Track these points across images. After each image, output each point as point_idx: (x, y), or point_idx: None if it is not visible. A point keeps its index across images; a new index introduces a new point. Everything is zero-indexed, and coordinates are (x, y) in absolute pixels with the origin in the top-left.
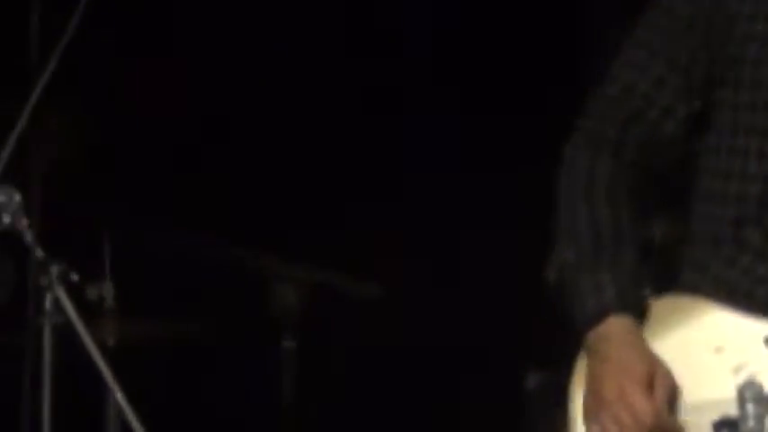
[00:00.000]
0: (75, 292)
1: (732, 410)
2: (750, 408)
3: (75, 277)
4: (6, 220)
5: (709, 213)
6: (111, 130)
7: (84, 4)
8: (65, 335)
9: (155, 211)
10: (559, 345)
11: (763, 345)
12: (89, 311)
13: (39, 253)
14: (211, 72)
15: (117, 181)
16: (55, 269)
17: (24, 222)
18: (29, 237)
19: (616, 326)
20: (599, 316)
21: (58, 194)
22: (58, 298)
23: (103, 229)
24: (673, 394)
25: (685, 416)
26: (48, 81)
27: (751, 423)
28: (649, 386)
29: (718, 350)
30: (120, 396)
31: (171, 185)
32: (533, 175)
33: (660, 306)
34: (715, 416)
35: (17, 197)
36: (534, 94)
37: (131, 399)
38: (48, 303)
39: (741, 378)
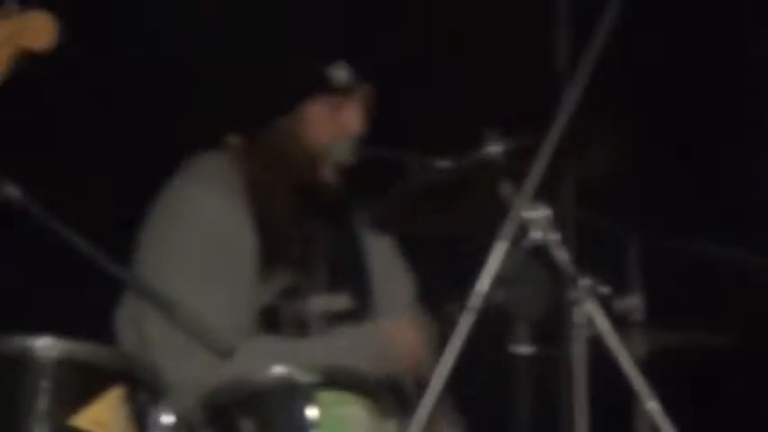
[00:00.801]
0: (605, 305)
1: None
2: None
3: (605, 290)
4: (537, 235)
5: None
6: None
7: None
8: (597, 347)
9: (679, 222)
10: None
11: None
12: (617, 324)
13: (570, 268)
14: None
15: (642, 192)
16: (585, 283)
17: (555, 237)
18: (559, 252)
19: None
20: None
21: (588, 208)
22: (589, 311)
23: (629, 242)
24: None
25: None
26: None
27: None
28: None
29: None
30: (653, 406)
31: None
32: None
33: None
34: None
35: (547, 212)
36: None
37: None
38: (578, 317)
39: None
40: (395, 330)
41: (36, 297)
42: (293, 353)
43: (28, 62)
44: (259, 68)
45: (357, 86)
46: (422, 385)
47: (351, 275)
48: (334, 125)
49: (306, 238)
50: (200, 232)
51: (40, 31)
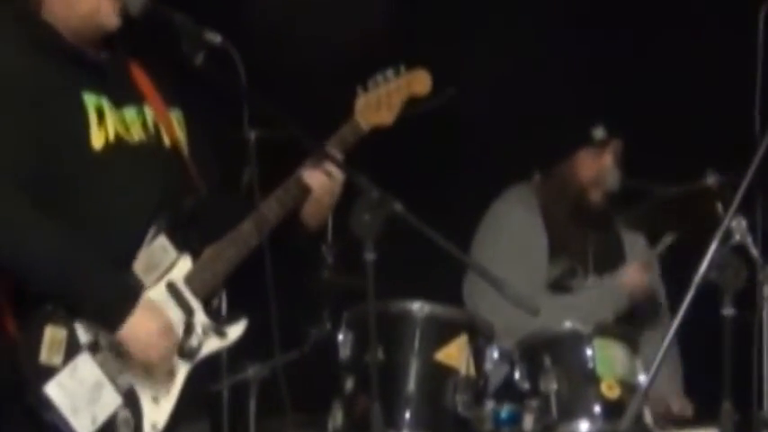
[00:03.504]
0: None
1: None
2: None
3: None
4: (738, 237)
5: None
6: None
7: None
8: None
9: None
10: None
11: None
12: None
13: (759, 259)
14: None
15: None
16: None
17: (749, 239)
18: (752, 248)
19: None
20: None
21: None
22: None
23: None
24: None
25: None
26: None
27: None
28: None
29: None
30: None
31: None
32: None
33: None
34: None
35: (744, 222)
36: None
37: None
38: (765, 292)
39: None
40: (628, 278)
41: (410, 274)
42: (569, 305)
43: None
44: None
45: (611, 140)
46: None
47: (613, 261)
48: (595, 167)
49: (581, 238)
50: (511, 235)
51: (421, 81)
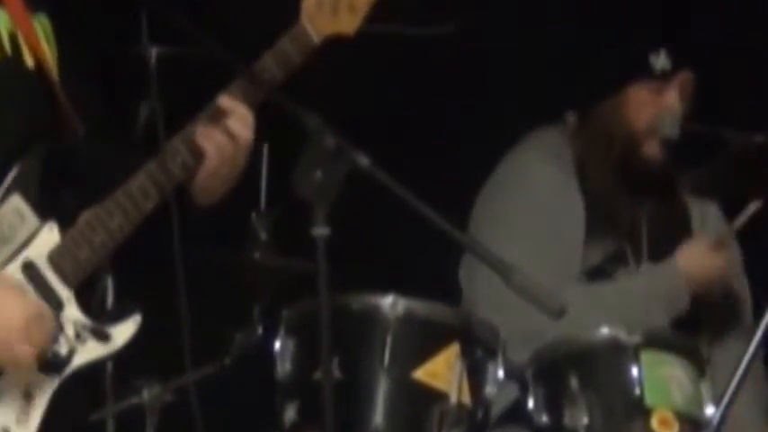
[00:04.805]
0: None
1: None
2: None
3: None
4: None
5: None
6: None
7: None
8: None
9: None
10: None
11: None
12: None
13: None
14: None
15: None
16: None
17: None
18: None
19: None
20: None
21: None
22: None
23: None
24: None
25: None
26: None
27: None
28: None
29: None
30: None
31: None
32: None
33: None
34: None
35: None
36: None
37: None
38: None
39: None
40: (689, 260)
41: (380, 256)
42: (601, 300)
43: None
44: (588, 53)
45: (677, 72)
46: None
47: (675, 240)
48: (654, 108)
49: (632, 208)
50: (532, 199)
51: None
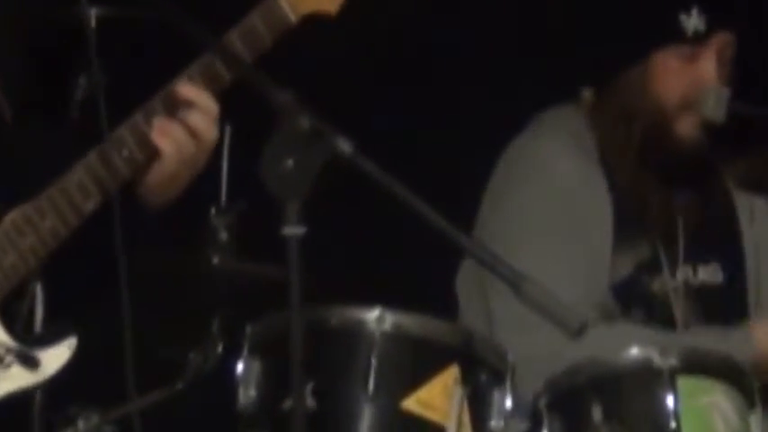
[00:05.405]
0: None
1: None
2: None
3: None
4: None
5: None
6: None
7: None
8: None
9: None
10: None
11: None
12: None
13: None
14: None
15: None
16: None
17: None
18: None
19: None
20: None
21: None
22: None
23: None
24: None
25: None
26: None
27: None
28: None
29: None
30: None
31: None
32: None
33: None
34: None
35: None
36: None
37: None
38: None
39: None
40: (767, 335)
41: (364, 261)
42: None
43: None
44: (606, 15)
45: (713, 34)
46: None
47: (719, 244)
48: (686, 78)
49: (666, 204)
50: (552, 194)
51: None
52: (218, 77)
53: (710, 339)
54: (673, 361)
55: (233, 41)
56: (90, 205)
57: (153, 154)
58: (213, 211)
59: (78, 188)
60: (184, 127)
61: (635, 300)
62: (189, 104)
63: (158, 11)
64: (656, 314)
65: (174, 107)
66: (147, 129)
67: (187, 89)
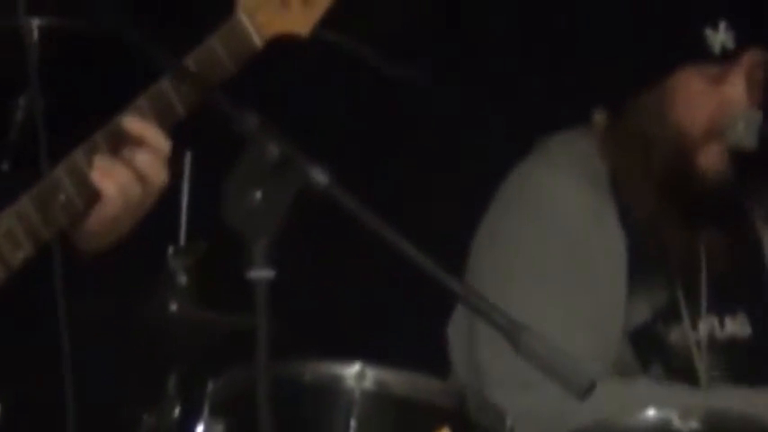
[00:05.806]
0: None
1: None
2: None
3: None
4: None
5: None
6: None
7: None
8: None
9: None
10: None
11: None
12: None
13: None
14: None
15: None
16: None
17: None
18: None
19: None
20: None
21: None
22: None
23: None
24: None
25: None
26: None
27: None
28: None
29: None
30: None
31: None
32: None
33: None
34: None
35: None
36: None
37: None
38: None
39: None
40: None
41: (343, 313)
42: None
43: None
44: (622, 28)
45: (743, 52)
46: None
47: (748, 291)
48: (712, 102)
49: (687, 244)
50: (555, 234)
51: None
52: (172, 111)
53: (737, 400)
54: (694, 424)
55: (191, 68)
56: (19, 256)
57: (93, 198)
58: (171, 251)
59: (7, 237)
60: (130, 168)
61: (656, 351)
62: (136, 142)
63: (108, 23)
64: (675, 367)
65: (120, 144)
66: (87, 169)
67: (135, 124)
